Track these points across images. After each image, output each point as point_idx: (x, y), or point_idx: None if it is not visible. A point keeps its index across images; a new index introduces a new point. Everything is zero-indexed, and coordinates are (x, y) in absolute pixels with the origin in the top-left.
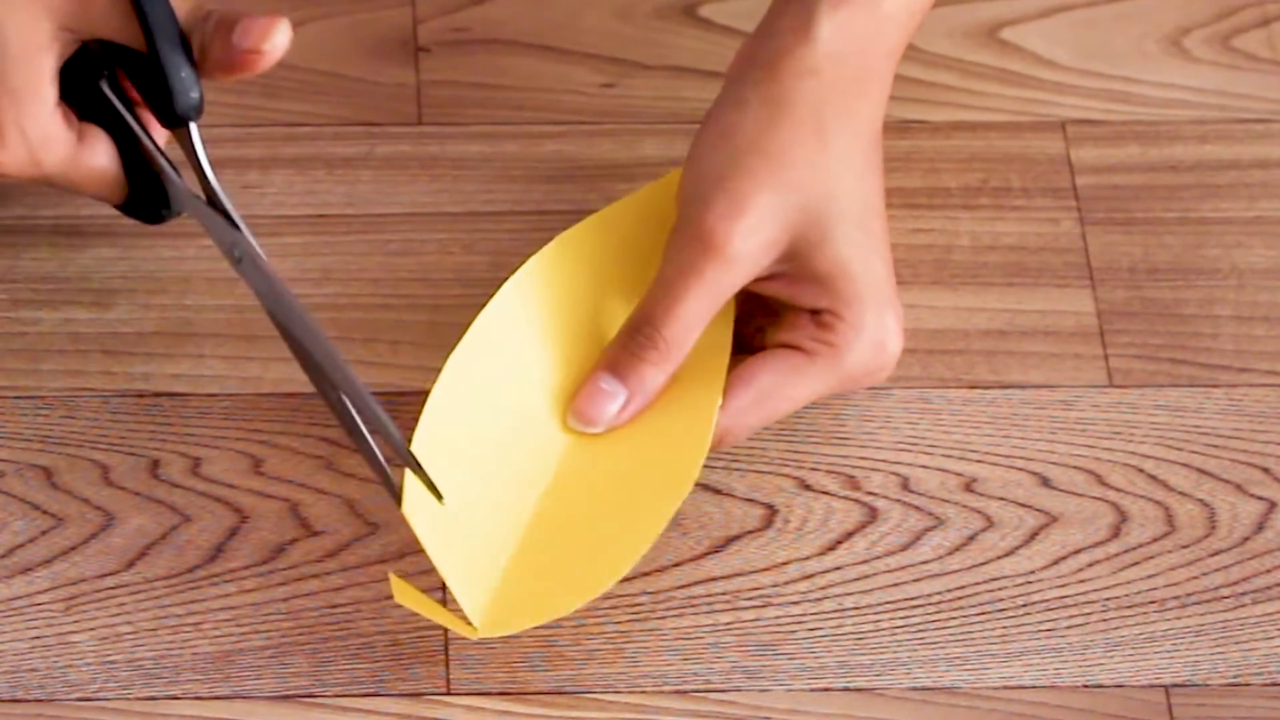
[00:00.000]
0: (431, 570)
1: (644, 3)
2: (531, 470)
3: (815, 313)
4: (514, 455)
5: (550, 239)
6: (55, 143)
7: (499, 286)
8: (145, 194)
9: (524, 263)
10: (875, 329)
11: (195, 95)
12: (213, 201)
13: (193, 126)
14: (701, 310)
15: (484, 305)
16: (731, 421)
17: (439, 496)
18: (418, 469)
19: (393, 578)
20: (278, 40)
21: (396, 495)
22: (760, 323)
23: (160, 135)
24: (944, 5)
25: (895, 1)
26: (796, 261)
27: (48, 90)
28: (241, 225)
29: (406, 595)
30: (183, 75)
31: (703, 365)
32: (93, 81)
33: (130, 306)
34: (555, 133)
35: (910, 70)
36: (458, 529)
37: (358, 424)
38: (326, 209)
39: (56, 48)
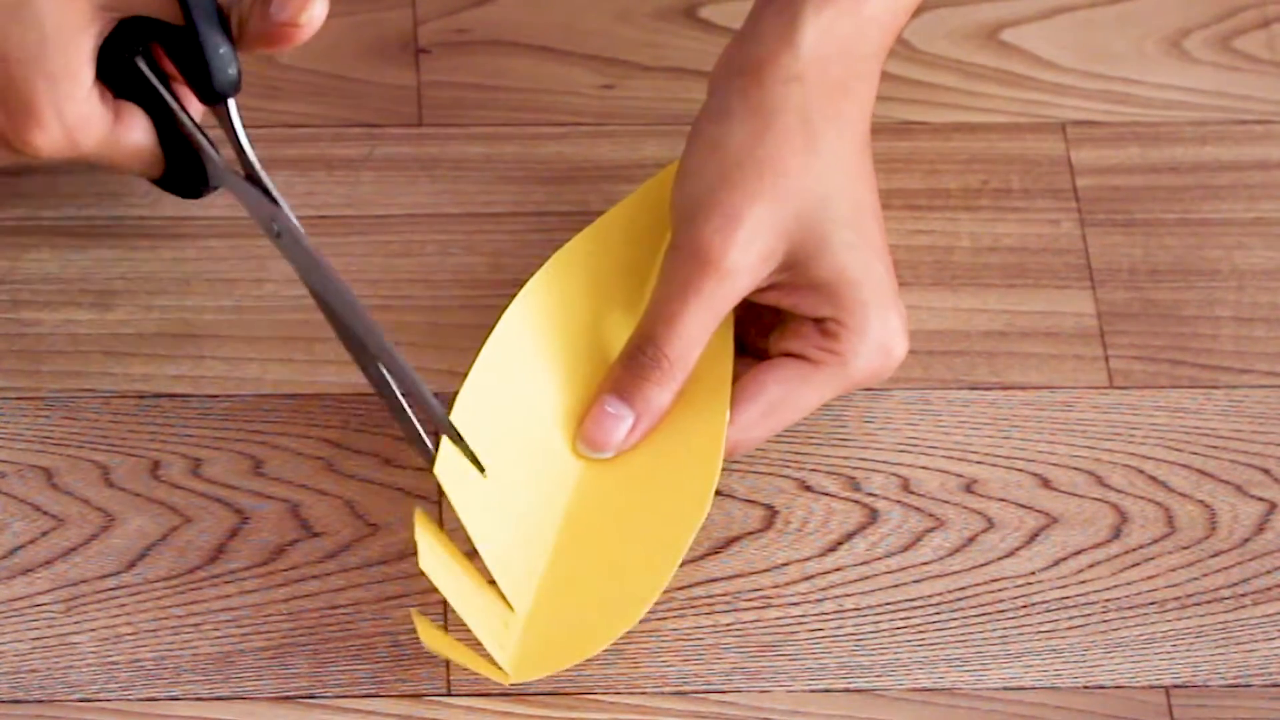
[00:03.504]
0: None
1: (644, 4)
2: (547, 505)
3: (819, 320)
4: (529, 491)
5: (551, 240)
6: (92, 123)
7: (501, 293)
8: (183, 169)
9: (520, 290)
10: (880, 333)
11: (233, 71)
12: (251, 177)
13: (230, 102)
14: (702, 326)
15: (483, 306)
16: (741, 435)
17: (481, 469)
18: (456, 438)
19: (419, 622)
20: (315, 12)
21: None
22: (764, 329)
23: (196, 110)
24: (944, 6)
25: (879, 3)
26: (795, 270)
27: (85, 71)
28: (280, 200)
29: (436, 640)
30: (221, 51)
31: (708, 379)
32: (128, 58)
33: (130, 308)
34: (555, 134)
35: (910, 71)
36: (480, 573)
37: (398, 398)
38: (327, 210)
39: (95, 27)
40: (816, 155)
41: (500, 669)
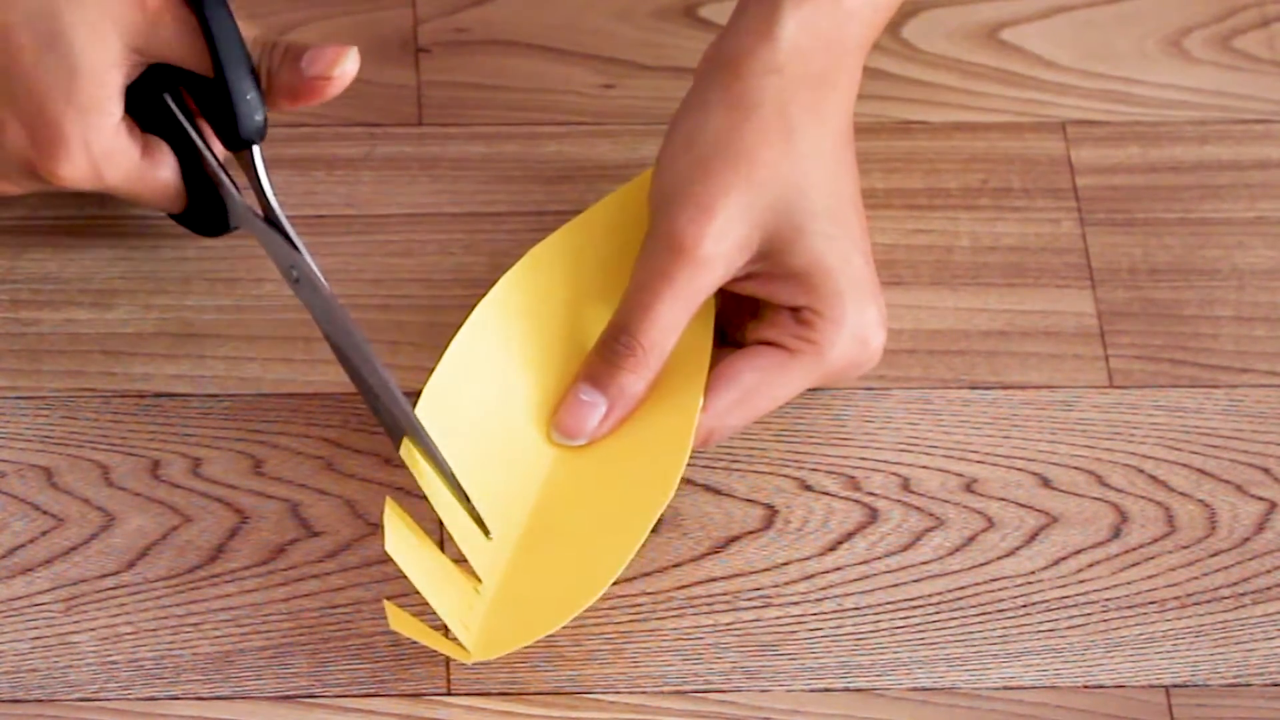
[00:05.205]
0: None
1: (644, 4)
2: (519, 490)
3: (795, 310)
4: (500, 476)
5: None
6: (119, 156)
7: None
8: (204, 207)
9: (493, 286)
10: (856, 324)
11: (259, 118)
12: (272, 221)
13: (255, 148)
14: (676, 315)
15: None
16: (716, 422)
17: (486, 532)
18: (473, 512)
19: (388, 605)
20: (347, 66)
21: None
22: (741, 318)
23: (220, 149)
24: (944, 5)
25: None
26: (771, 260)
27: (114, 106)
28: (300, 246)
29: (403, 623)
30: (248, 98)
31: (684, 367)
32: (157, 94)
33: (130, 307)
34: (555, 133)
35: (910, 70)
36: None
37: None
38: (326, 209)
39: (125, 68)
40: (793, 147)
41: (464, 648)
